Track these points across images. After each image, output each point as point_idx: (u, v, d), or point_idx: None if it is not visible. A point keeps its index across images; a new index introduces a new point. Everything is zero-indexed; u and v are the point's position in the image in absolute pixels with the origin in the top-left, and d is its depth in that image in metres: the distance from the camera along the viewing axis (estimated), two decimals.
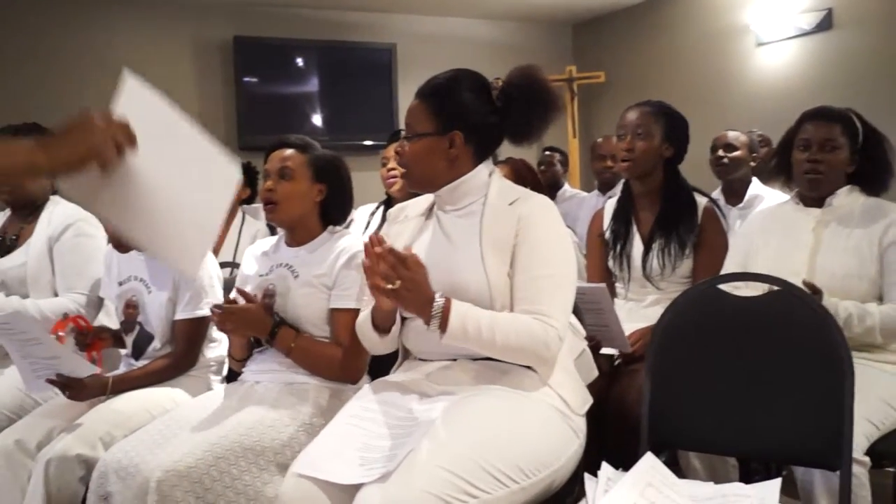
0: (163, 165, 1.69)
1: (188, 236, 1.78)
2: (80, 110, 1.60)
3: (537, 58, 2.22)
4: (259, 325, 2.49)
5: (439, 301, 1.95)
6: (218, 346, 2.92)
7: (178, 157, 1.73)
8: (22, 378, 2.70)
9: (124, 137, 1.64)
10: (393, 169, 3.74)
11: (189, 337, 2.82)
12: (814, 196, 2.73)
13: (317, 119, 7.25)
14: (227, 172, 1.83)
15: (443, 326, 1.95)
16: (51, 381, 2.58)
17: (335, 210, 2.66)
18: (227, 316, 2.44)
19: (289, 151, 2.59)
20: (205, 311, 2.74)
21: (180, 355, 2.82)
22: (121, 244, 2.81)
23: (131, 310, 2.86)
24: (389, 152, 3.81)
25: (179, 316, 2.79)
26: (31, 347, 2.54)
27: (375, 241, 1.94)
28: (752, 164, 4.67)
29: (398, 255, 1.92)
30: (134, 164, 1.66)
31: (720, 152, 4.66)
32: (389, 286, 1.92)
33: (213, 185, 1.80)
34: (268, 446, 2.27)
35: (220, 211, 1.83)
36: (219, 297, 2.76)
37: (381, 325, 2.19)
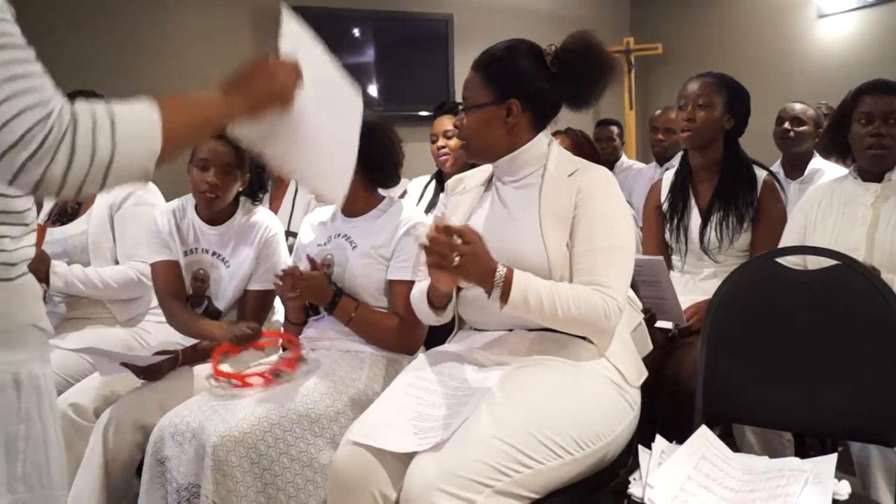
0: (312, 100, 1.75)
1: (334, 164, 1.89)
2: (253, 58, 1.67)
3: (594, 29, 2.19)
4: (322, 293, 2.51)
5: (501, 271, 1.95)
6: (275, 313, 2.95)
7: (323, 91, 1.80)
8: (95, 365, 2.75)
9: (296, 78, 1.71)
10: (444, 147, 3.73)
11: (260, 308, 2.83)
12: (877, 171, 2.68)
13: (372, 89, 7.25)
14: (354, 101, 1.94)
15: (504, 297, 1.95)
16: (124, 365, 2.60)
17: (377, 173, 2.63)
18: (297, 282, 2.46)
19: None
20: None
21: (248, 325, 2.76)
22: (211, 208, 2.79)
23: (199, 283, 2.87)
24: (437, 128, 3.79)
25: (254, 286, 2.80)
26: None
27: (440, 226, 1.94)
28: (816, 138, 4.58)
29: (454, 230, 1.92)
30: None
31: (787, 125, 4.56)
32: (450, 263, 1.91)
33: (346, 115, 1.91)
34: (322, 413, 2.29)
35: (355, 137, 1.93)
36: None
37: (438, 303, 2.21)
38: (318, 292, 2.52)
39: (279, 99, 1.68)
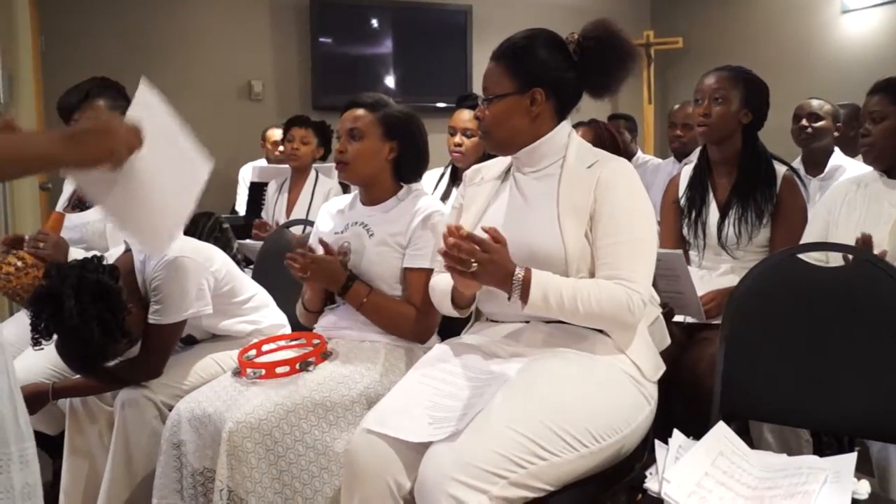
0: (151, 164, 1.85)
1: (159, 226, 2.01)
2: (103, 116, 1.76)
3: (621, 27, 2.19)
4: (334, 278, 2.51)
5: (519, 274, 1.95)
6: (268, 310, 2.92)
7: (164, 157, 1.89)
8: None
9: (137, 141, 1.80)
10: (460, 145, 3.72)
11: (153, 345, 2.59)
12: (877, 168, 2.68)
13: (390, 80, 7.26)
14: (200, 171, 2.03)
15: (524, 298, 1.96)
16: None
17: (408, 166, 2.64)
18: (308, 264, 2.46)
19: (359, 111, 2.59)
20: (179, 318, 2.56)
21: (140, 362, 2.60)
22: None
23: None
24: (457, 122, 3.77)
25: (150, 319, 2.56)
26: None
27: (453, 230, 1.94)
28: (836, 133, 4.54)
29: (475, 239, 1.93)
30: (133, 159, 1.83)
31: (804, 122, 4.51)
32: (468, 269, 1.93)
33: (186, 184, 2.01)
34: (337, 402, 2.29)
35: (190, 205, 2.03)
36: (208, 306, 2.63)
37: (462, 303, 2.22)
38: (330, 276, 2.52)
39: (112, 157, 1.74)
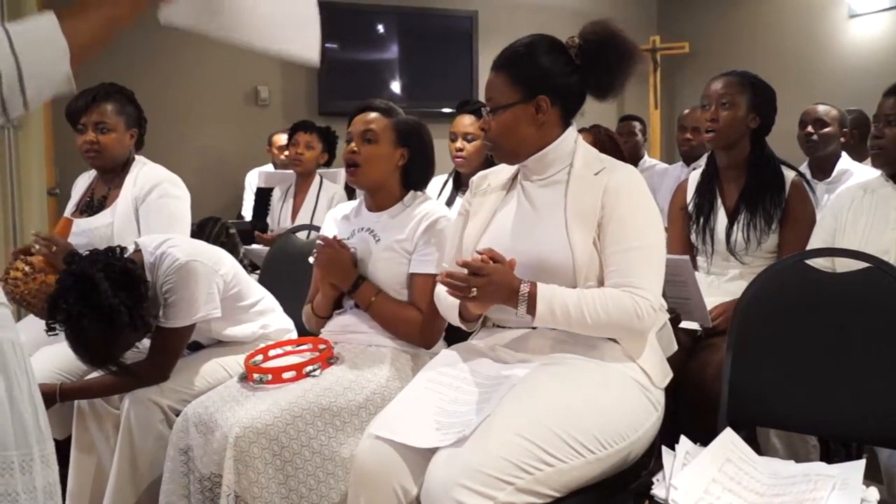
0: None
1: (294, 12, 1.70)
2: None
3: (621, 27, 2.18)
4: (346, 273, 2.53)
5: (524, 289, 1.97)
6: (274, 314, 2.92)
7: None
8: None
9: None
10: (461, 150, 3.72)
11: (162, 348, 2.59)
12: (883, 171, 2.66)
13: (396, 86, 7.26)
14: None
15: (531, 312, 1.97)
16: None
17: (417, 175, 2.66)
18: (325, 250, 2.49)
19: (373, 115, 2.61)
20: (189, 321, 2.57)
21: (147, 365, 2.59)
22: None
23: None
24: (458, 128, 3.77)
25: (159, 322, 2.57)
26: None
27: (445, 274, 1.98)
28: (842, 139, 4.51)
29: (469, 267, 1.95)
30: None
31: (810, 128, 4.47)
32: (468, 295, 1.95)
33: None
34: (344, 407, 2.29)
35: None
36: (217, 309, 2.62)
37: (470, 318, 2.23)
38: (342, 270, 2.53)
39: None
